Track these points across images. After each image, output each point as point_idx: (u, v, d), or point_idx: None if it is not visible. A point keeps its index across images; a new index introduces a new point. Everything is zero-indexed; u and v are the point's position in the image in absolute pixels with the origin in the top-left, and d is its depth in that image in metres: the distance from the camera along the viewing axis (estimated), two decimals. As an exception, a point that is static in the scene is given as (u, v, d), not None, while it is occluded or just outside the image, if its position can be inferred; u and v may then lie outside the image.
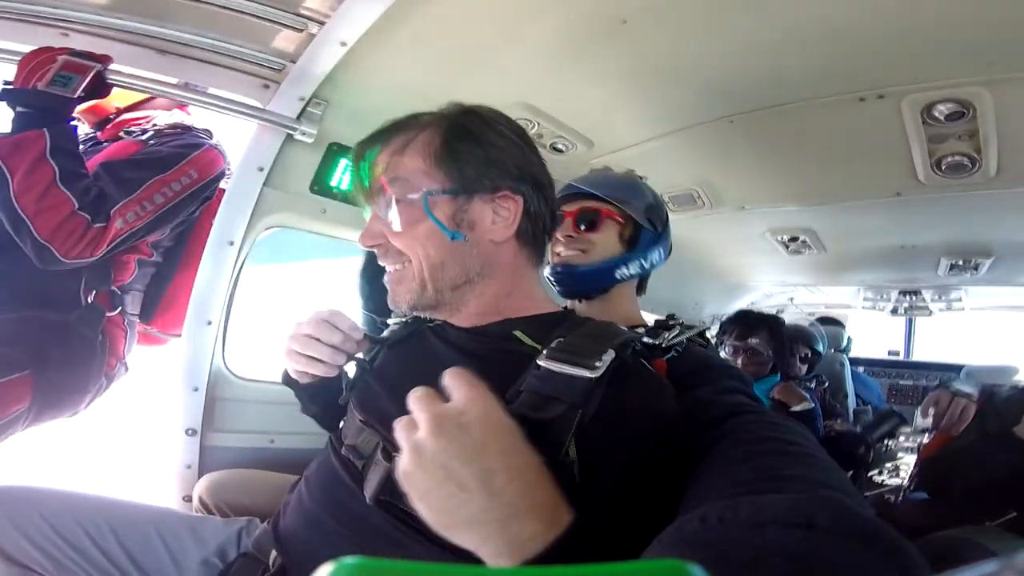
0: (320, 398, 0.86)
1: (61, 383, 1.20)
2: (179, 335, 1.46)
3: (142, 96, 1.36)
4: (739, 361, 2.01)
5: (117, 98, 1.32)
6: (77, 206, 1.06)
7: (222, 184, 1.41)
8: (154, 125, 1.33)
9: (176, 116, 1.40)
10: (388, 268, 0.76)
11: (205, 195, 1.35)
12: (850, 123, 1.32)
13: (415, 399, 0.51)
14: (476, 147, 0.72)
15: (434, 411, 0.49)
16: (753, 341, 2.02)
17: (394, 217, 0.71)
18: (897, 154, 1.38)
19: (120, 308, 1.32)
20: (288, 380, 0.86)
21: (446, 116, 0.75)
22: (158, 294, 1.45)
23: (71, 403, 1.25)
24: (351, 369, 0.82)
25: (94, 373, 1.26)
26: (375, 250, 0.75)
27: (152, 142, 1.28)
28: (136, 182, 1.19)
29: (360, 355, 0.81)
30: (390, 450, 0.62)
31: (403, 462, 0.49)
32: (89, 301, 1.25)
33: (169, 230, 1.36)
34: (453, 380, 0.52)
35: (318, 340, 0.77)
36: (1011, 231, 1.77)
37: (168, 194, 1.24)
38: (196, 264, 1.38)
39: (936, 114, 1.19)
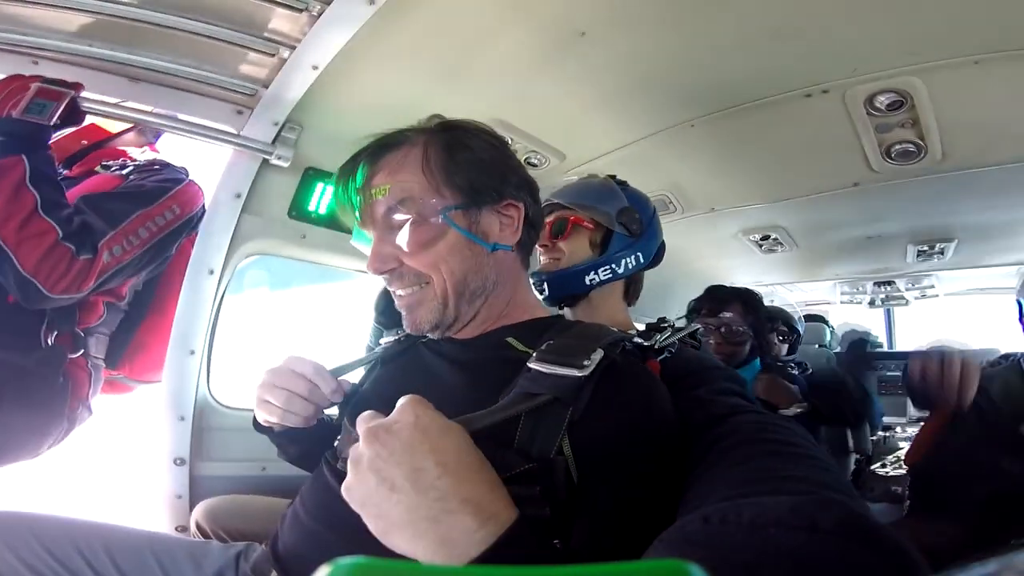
0: (299, 439, 0.84)
1: (16, 426, 1.15)
2: (151, 381, 1.44)
3: (109, 132, 1.36)
4: (712, 341, 1.78)
5: (84, 134, 1.31)
6: (61, 235, 1.03)
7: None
8: (134, 161, 1.33)
9: (149, 154, 1.40)
10: (401, 292, 0.74)
11: (185, 233, 1.33)
12: (801, 119, 1.39)
13: (359, 420, 0.54)
14: (474, 158, 0.73)
15: (369, 425, 0.52)
16: (726, 315, 1.80)
17: (408, 238, 0.70)
18: (849, 145, 1.45)
19: (83, 350, 1.27)
20: (260, 427, 0.83)
21: (435, 131, 0.75)
22: (126, 339, 1.41)
23: (29, 446, 1.19)
24: (333, 411, 0.81)
25: (54, 416, 1.21)
26: (385, 276, 0.73)
27: (132, 177, 1.27)
28: (120, 214, 1.17)
29: (335, 407, 0.80)
30: None
31: (346, 479, 0.52)
32: (50, 343, 1.19)
33: (149, 270, 1.34)
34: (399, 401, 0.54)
35: (289, 391, 0.75)
36: (967, 213, 1.84)
37: (153, 228, 1.22)
38: (167, 309, 1.36)
39: (878, 104, 1.27)
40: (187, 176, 1.37)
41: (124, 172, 1.28)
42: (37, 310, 1.14)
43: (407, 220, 0.70)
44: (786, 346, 2.27)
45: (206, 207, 1.39)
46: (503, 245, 0.74)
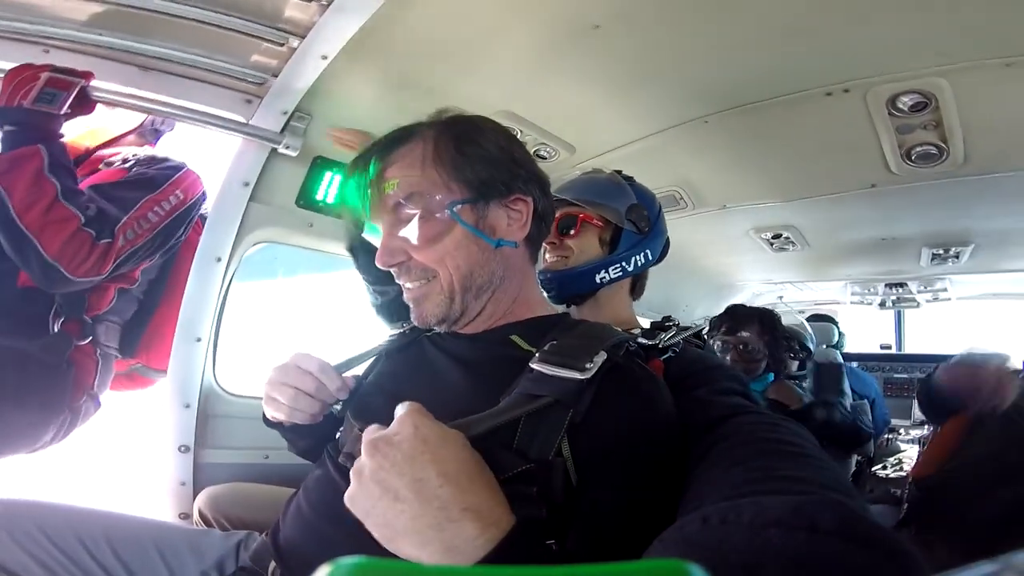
0: (308, 433, 0.84)
1: (15, 417, 1.14)
2: None
3: (111, 135, 1.38)
4: (729, 357, 1.89)
5: (87, 137, 1.32)
6: (83, 221, 1.05)
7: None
8: (134, 155, 1.35)
9: (148, 151, 1.41)
10: (409, 285, 0.74)
11: (190, 218, 1.35)
12: (820, 118, 1.35)
13: (363, 433, 0.55)
14: (483, 152, 0.73)
15: (371, 436, 0.53)
16: (744, 335, 1.91)
17: (416, 232, 0.70)
18: (868, 146, 1.42)
19: (91, 337, 1.27)
20: (269, 422, 0.83)
21: (444, 124, 0.75)
22: (141, 327, 1.42)
23: (28, 439, 1.19)
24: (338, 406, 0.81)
25: (56, 406, 1.20)
26: (393, 269, 0.74)
27: (135, 168, 1.30)
28: (130, 201, 1.20)
29: (339, 404, 0.80)
30: None
31: (349, 489, 0.52)
32: (56, 329, 1.20)
33: (160, 255, 1.35)
34: (397, 410, 0.55)
35: (295, 388, 0.75)
36: (986, 218, 1.81)
37: (160, 213, 1.24)
38: (180, 296, 1.37)
39: (900, 105, 1.23)
40: (186, 166, 1.39)
41: (127, 165, 1.30)
42: (46, 297, 1.15)
43: (415, 214, 0.70)
44: (796, 363, 2.33)
45: (209, 195, 1.40)
46: (508, 241, 0.74)
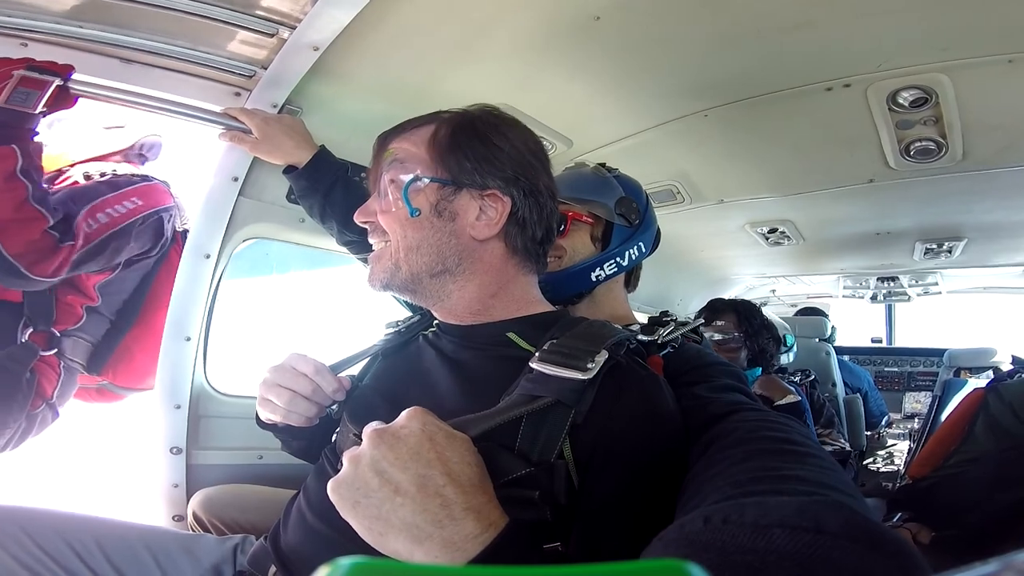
0: (303, 434, 0.83)
1: None
2: (141, 389, 1.45)
3: (98, 153, 1.37)
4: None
5: (73, 151, 1.32)
6: (50, 223, 1.05)
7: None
8: (113, 170, 1.34)
9: (129, 167, 1.41)
10: (374, 247, 0.78)
11: (155, 227, 1.33)
12: (819, 112, 1.34)
13: (365, 427, 0.55)
14: (478, 144, 0.73)
15: (374, 427, 0.53)
16: (719, 323, 1.93)
17: (384, 196, 0.74)
18: (867, 141, 1.42)
19: (57, 350, 1.28)
20: (263, 423, 0.83)
21: (462, 113, 0.77)
22: (111, 346, 1.42)
23: None
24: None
25: (14, 411, 1.21)
26: (367, 226, 0.78)
27: (107, 176, 1.31)
28: (87, 200, 1.21)
29: (335, 404, 0.80)
30: None
31: (338, 475, 0.52)
32: (24, 340, 1.21)
33: (120, 267, 1.34)
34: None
35: (291, 391, 0.75)
36: (981, 213, 1.82)
37: (113, 215, 1.24)
38: (153, 321, 1.37)
39: (901, 101, 1.23)
40: (156, 179, 1.40)
41: (104, 179, 1.30)
42: (15, 308, 1.18)
43: (388, 179, 0.74)
44: (784, 356, 2.34)
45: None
46: (416, 212, 0.72)
